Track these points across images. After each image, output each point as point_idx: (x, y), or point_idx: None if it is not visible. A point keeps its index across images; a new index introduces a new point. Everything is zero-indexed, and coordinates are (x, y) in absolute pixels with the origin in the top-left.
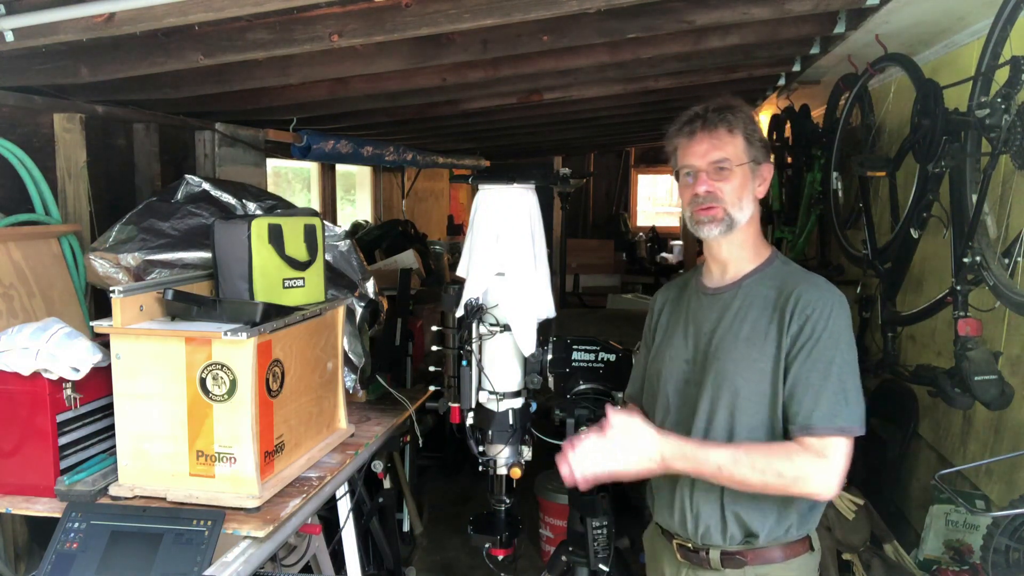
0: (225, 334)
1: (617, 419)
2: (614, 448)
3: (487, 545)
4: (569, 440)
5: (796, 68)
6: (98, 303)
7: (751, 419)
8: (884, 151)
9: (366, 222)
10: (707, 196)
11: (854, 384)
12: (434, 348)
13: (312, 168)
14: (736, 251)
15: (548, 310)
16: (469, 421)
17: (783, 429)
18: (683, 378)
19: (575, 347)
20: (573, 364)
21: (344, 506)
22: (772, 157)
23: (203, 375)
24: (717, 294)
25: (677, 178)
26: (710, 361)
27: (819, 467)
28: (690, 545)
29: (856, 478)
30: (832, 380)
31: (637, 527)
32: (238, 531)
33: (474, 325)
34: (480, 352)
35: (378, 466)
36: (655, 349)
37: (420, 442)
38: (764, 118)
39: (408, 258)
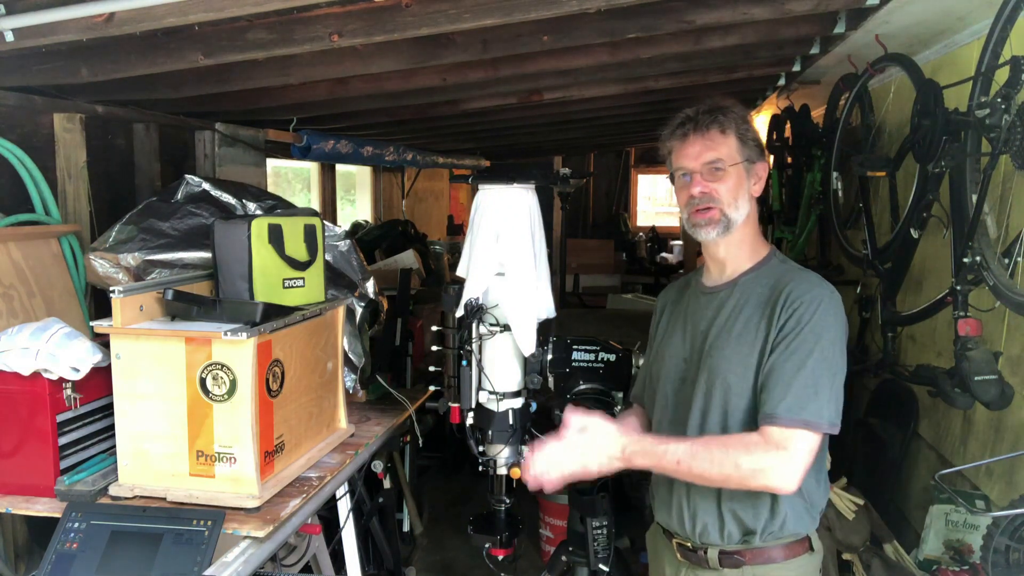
0: (225, 334)
1: (575, 420)
2: (574, 449)
3: (487, 545)
4: (530, 447)
5: (796, 68)
6: (98, 303)
7: (744, 415)
8: (884, 151)
9: (366, 222)
10: (703, 197)
11: (829, 380)
12: (434, 348)
13: (312, 168)
14: (734, 250)
15: (548, 310)
16: (469, 421)
17: None
18: (679, 376)
19: (575, 347)
20: (573, 364)
21: (344, 506)
22: (771, 157)
23: (203, 375)
24: (714, 292)
25: (672, 181)
26: (704, 359)
27: (778, 460)
28: (689, 544)
29: (856, 478)
30: (805, 372)
31: (637, 527)
32: (238, 531)
33: (474, 325)
34: (480, 352)
35: (378, 466)
36: (656, 349)
37: (420, 442)
38: (764, 118)
39: (408, 258)
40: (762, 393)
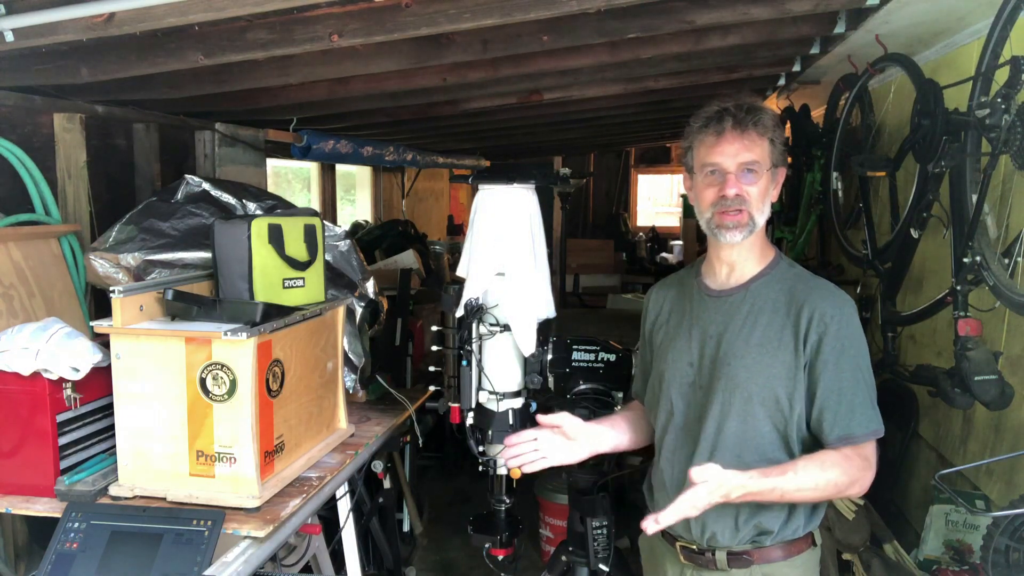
0: (225, 334)
1: (699, 474)
2: (699, 502)
3: (487, 545)
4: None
5: (796, 68)
6: (98, 303)
7: (763, 424)
8: (884, 151)
9: (366, 222)
10: (736, 199)
11: (874, 384)
12: (434, 348)
13: (312, 168)
14: (745, 253)
15: (548, 310)
16: (469, 421)
17: (800, 436)
18: (687, 381)
19: (575, 347)
20: (573, 364)
21: (344, 506)
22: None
23: (203, 375)
24: (723, 296)
25: (690, 173)
26: (719, 366)
27: (865, 472)
28: (695, 547)
29: None
30: (861, 387)
31: (637, 527)
32: (238, 531)
33: (474, 325)
34: (480, 352)
35: (378, 466)
36: (657, 350)
37: (420, 442)
38: None
39: (408, 258)
40: (824, 415)
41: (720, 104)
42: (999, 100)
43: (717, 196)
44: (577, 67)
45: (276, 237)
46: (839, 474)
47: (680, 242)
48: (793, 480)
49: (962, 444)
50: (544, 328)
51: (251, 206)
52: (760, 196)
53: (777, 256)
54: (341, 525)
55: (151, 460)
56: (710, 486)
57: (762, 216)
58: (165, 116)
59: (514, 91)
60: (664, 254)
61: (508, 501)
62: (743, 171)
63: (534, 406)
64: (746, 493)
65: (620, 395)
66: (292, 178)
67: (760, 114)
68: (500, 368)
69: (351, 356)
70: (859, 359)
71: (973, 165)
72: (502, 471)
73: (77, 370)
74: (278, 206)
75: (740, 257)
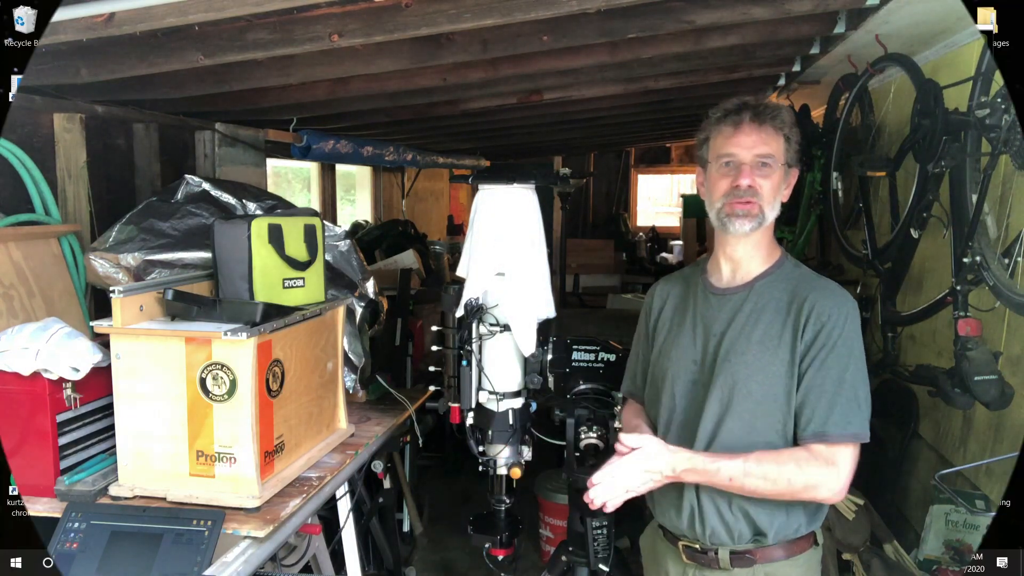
0: (225, 334)
1: (631, 441)
2: (630, 470)
3: (487, 545)
4: (589, 479)
5: (796, 68)
6: (98, 303)
7: (762, 422)
8: (884, 151)
9: (366, 222)
10: (748, 191)
11: (864, 391)
12: (434, 348)
13: (312, 168)
14: (751, 250)
15: (548, 310)
16: (469, 421)
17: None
18: (690, 379)
19: (575, 347)
20: (573, 364)
21: (344, 506)
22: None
23: (203, 375)
24: (727, 295)
25: (703, 166)
26: (720, 363)
27: (828, 474)
28: (697, 546)
29: (856, 478)
30: (846, 387)
31: (637, 527)
32: (238, 531)
33: (474, 325)
34: (480, 352)
35: (378, 466)
36: (660, 347)
37: (420, 442)
38: None
39: (408, 258)
40: (803, 411)
41: (740, 98)
42: (999, 100)
43: (730, 186)
44: (577, 67)
45: (276, 237)
46: (795, 472)
47: (680, 242)
48: (744, 468)
49: (962, 444)
50: (544, 328)
51: (251, 206)
52: (772, 191)
53: (783, 256)
54: (341, 525)
55: (151, 460)
56: (646, 456)
57: (772, 211)
58: (165, 116)
59: (514, 91)
60: (664, 254)
61: (508, 501)
62: (758, 164)
63: (534, 406)
64: (692, 469)
65: (620, 395)
66: (292, 178)
67: (779, 110)
68: (500, 368)
69: (351, 356)
70: (849, 359)
71: (973, 165)
72: (502, 471)
73: (77, 370)
74: (278, 206)
75: (746, 254)
